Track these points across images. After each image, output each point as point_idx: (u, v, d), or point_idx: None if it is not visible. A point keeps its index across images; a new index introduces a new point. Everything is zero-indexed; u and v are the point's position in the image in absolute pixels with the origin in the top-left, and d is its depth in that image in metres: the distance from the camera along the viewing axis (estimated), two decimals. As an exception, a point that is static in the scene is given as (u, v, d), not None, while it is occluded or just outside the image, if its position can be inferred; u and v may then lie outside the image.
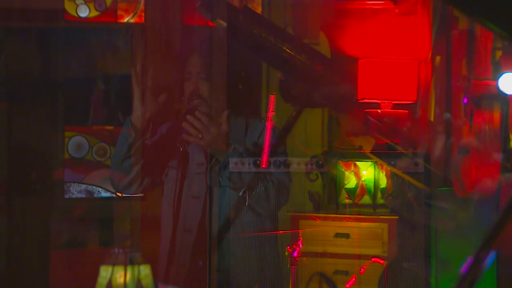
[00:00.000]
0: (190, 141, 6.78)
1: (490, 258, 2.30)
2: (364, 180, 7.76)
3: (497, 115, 7.13)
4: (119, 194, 7.58)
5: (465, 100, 7.36)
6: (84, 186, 7.72)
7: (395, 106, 7.65)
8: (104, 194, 7.70)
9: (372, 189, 7.76)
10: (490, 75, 6.92)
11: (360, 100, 7.64)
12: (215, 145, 6.78)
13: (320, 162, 7.69)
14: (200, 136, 6.62)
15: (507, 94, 6.66)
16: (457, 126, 7.42)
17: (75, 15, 7.48)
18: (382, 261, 6.56)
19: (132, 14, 7.50)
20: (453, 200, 7.29)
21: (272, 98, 6.57)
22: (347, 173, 7.78)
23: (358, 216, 7.64)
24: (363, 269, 5.84)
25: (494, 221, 2.34)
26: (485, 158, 7.16)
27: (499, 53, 6.80)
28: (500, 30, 2.31)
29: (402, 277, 7.35)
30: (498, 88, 6.60)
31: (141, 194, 7.04)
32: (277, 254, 7.11)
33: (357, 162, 7.78)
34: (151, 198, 7.08)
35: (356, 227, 7.53)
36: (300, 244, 5.87)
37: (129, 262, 5.91)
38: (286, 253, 5.83)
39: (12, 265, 7.48)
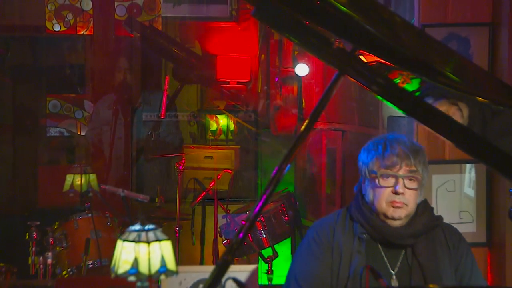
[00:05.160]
0: None
1: (287, 167, 2.29)
2: (221, 126, 7.74)
3: (295, 88, 7.18)
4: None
5: (277, 79, 7.38)
6: (58, 129, 7.59)
7: (238, 83, 7.64)
8: (68, 134, 7.60)
9: (226, 130, 7.75)
10: (291, 65, 6.96)
11: (218, 79, 7.62)
12: None
13: (195, 115, 7.68)
14: None
15: (300, 76, 6.70)
16: (272, 94, 7.44)
17: (52, 29, 7.31)
18: (230, 171, 6.56)
19: (86, 29, 7.37)
20: (270, 136, 7.34)
21: (167, 78, 6.51)
22: (211, 121, 7.74)
23: (217, 146, 7.63)
24: (219, 176, 5.82)
25: (290, 145, 2.34)
26: (288, 112, 7.21)
27: (296, 52, 6.84)
28: (295, 40, 2.30)
29: (242, 180, 7.39)
30: (295, 72, 6.64)
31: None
32: (170, 168, 7.09)
33: (217, 115, 7.75)
34: (98, 137, 7.02)
35: (216, 152, 7.52)
36: (184, 162, 5.84)
37: (83, 172, 5.85)
38: (175, 167, 5.78)
39: (16, 177, 7.36)
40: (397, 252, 3.15)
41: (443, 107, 3.28)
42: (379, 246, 3.16)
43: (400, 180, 3.07)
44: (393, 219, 3.10)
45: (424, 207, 3.18)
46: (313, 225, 3.29)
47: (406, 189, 3.08)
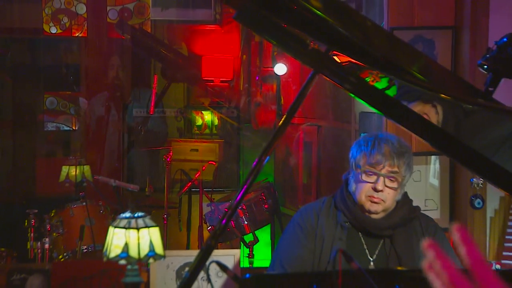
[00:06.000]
0: None
1: (267, 159, 2.29)
2: (206, 121, 7.72)
3: (274, 86, 7.17)
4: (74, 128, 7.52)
5: (257, 78, 7.37)
6: (54, 124, 7.53)
7: (221, 81, 7.63)
8: (66, 128, 7.52)
9: (210, 125, 7.73)
10: (271, 65, 6.95)
11: (203, 78, 7.60)
12: None
13: (182, 111, 7.67)
14: None
15: (279, 75, 6.69)
16: (253, 92, 7.43)
17: (49, 31, 7.26)
18: (214, 163, 6.55)
19: (80, 31, 7.32)
20: (251, 131, 7.33)
21: (155, 77, 6.49)
22: (197, 117, 7.72)
23: (202, 140, 7.62)
24: (204, 167, 5.81)
25: (269, 139, 2.34)
26: (268, 108, 7.21)
27: (275, 53, 6.83)
28: (273, 42, 2.30)
29: (225, 171, 7.37)
30: (274, 72, 6.63)
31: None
32: (159, 160, 7.05)
33: (202, 111, 7.74)
34: (91, 129, 7.00)
35: (201, 146, 7.51)
36: (171, 154, 5.82)
37: (78, 163, 5.82)
38: (163, 159, 5.77)
39: (15, 168, 7.33)
40: (376, 241, 3.18)
41: (418, 107, 3.29)
42: (360, 234, 3.19)
43: (381, 179, 3.08)
44: (370, 212, 3.13)
45: (403, 201, 3.20)
46: (299, 210, 3.31)
47: (386, 187, 3.09)
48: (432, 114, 3.30)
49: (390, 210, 3.15)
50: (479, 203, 4.08)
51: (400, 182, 3.11)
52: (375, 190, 3.08)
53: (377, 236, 3.17)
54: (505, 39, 2.50)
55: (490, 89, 2.43)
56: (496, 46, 2.48)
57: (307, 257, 3.13)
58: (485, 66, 2.47)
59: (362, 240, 3.18)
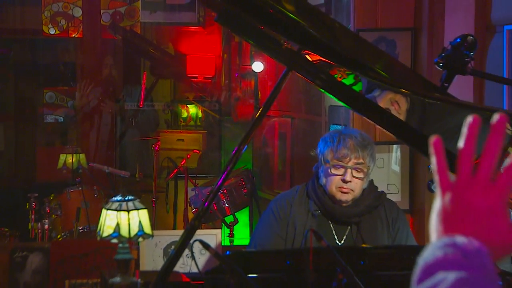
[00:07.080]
0: None
1: (245, 148, 2.29)
2: (191, 113, 7.70)
3: (252, 82, 7.16)
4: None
5: (237, 74, 7.36)
6: (53, 116, 7.46)
7: (205, 78, 7.60)
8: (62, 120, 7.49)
9: (194, 117, 7.71)
10: (249, 63, 6.92)
11: (188, 75, 7.57)
12: None
13: (169, 104, 7.65)
14: None
15: (256, 72, 6.66)
16: (233, 87, 7.42)
17: (48, 32, 7.18)
18: (198, 152, 6.54)
19: (76, 33, 7.25)
20: (231, 122, 7.31)
21: (145, 74, 6.47)
22: (182, 110, 7.70)
23: (187, 131, 7.61)
24: (189, 155, 5.80)
25: (247, 129, 2.33)
26: (246, 102, 7.20)
27: (253, 52, 6.81)
28: (251, 42, 2.29)
29: (208, 159, 7.35)
30: (252, 69, 6.61)
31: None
32: (148, 149, 7.02)
33: (187, 104, 7.71)
34: (88, 121, 6.96)
35: (186, 136, 7.50)
36: (159, 144, 5.81)
37: (74, 152, 5.77)
38: (152, 148, 5.75)
39: (17, 156, 7.29)
40: (344, 228, 3.19)
41: (389, 95, 3.31)
42: (329, 222, 3.19)
43: (349, 170, 3.09)
44: (341, 202, 3.14)
45: (369, 189, 3.22)
46: (275, 198, 3.32)
47: (353, 178, 3.10)
48: (403, 102, 3.32)
49: (357, 198, 3.16)
50: (435, 187, 4.10)
51: (366, 172, 3.13)
52: (344, 181, 3.09)
53: (345, 223, 3.18)
54: (458, 40, 2.51)
55: (445, 84, 2.45)
56: (451, 46, 2.49)
57: (279, 244, 3.15)
58: (441, 64, 2.48)
59: (331, 226, 3.19)
